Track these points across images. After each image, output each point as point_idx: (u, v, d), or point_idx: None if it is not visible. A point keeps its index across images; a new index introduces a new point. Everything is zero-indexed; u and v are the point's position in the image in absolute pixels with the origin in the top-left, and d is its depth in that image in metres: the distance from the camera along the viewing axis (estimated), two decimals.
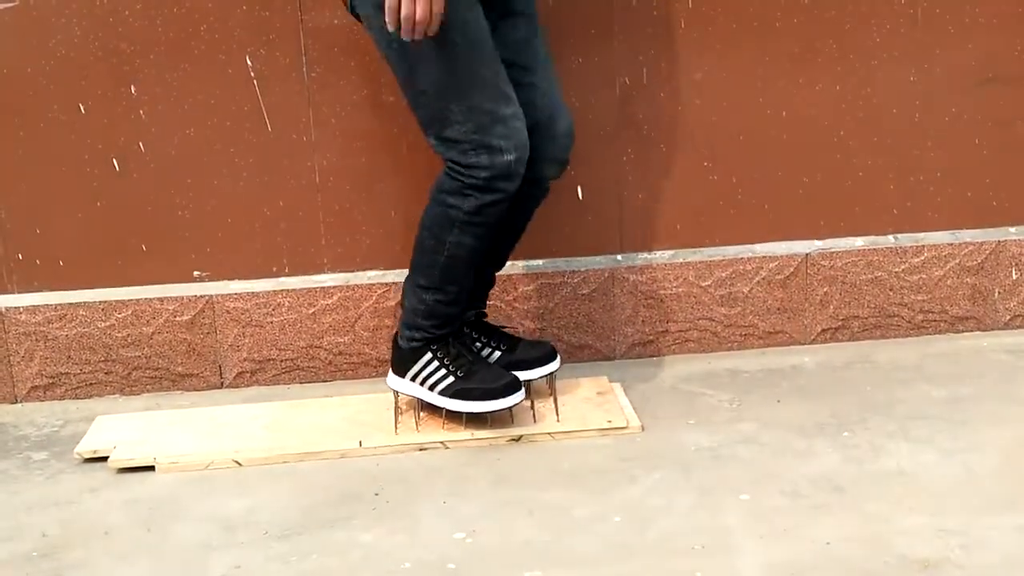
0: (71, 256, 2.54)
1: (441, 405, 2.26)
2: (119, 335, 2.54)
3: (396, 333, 2.31)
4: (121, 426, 2.36)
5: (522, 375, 2.31)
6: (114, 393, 2.58)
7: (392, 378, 2.32)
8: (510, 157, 2.08)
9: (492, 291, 2.43)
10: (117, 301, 2.54)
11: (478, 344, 2.35)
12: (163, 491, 2.13)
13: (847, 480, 2.03)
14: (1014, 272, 2.70)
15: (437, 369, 2.24)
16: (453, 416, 2.27)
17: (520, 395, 2.25)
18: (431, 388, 2.25)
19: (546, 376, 2.36)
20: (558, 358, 2.37)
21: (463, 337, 2.30)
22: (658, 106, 2.57)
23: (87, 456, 2.25)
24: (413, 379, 2.27)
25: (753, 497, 1.99)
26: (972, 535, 1.83)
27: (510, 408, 2.25)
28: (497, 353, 2.35)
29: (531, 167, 2.15)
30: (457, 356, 2.25)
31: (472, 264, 2.22)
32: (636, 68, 2.55)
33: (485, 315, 2.41)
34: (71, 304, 2.53)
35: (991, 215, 2.70)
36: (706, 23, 2.55)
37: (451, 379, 2.24)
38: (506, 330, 2.43)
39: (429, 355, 2.25)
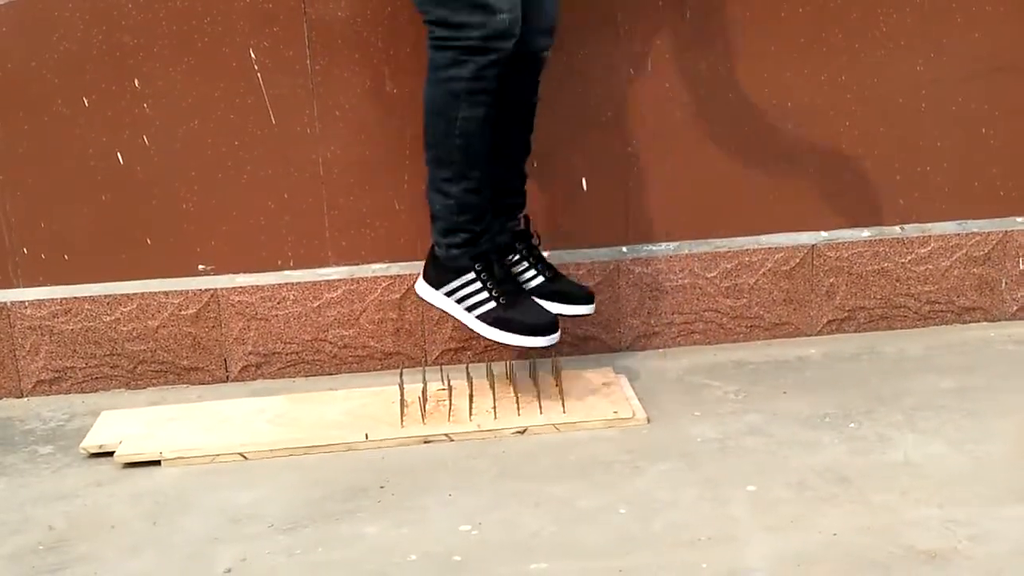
0: (76, 250, 2.54)
1: (476, 330, 2.22)
2: (124, 329, 2.55)
3: (432, 246, 2.26)
4: (127, 420, 2.36)
5: (559, 308, 2.29)
6: (120, 387, 2.58)
7: (423, 287, 2.26)
8: (504, 15, 2.07)
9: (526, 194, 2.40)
10: (122, 295, 2.54)
11: (526, 263, 2.31)
12: (169, 484, 2.13)
13: (854, 471, 2.03)
14: (1021, 262, 2.69)
15: (479, 291, 2.20)
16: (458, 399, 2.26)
17: (557, 336, 2.22)
18: (469, 309, 2.21)
19: (583, 315, 2.34)
20: (594, 304, 2.35)
21: (506, 263, 2.26)
22: (664, 97, 2.56)
23: (93, 451, 2.25)
24: (449, 294, 2.23)
25: (759, 488, 1.98)
26: (980, 526, 1.83)
27: (547, 347, 2.22)
28: (540, 278, 2.32)
29: (521, 40, 2.13)
30: (502, 280, 2.21)
31: (486, 140, 2.17)
32: (641, 58, 2.54)
33: (530, 222, 2.37)
34: (76, 298, 2.53)
35: (998, 205, 2.69)
36: (711, 13, 2.53)
37: (492, 304, 2.20)
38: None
39: (473, 274, 2.21)
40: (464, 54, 2.09)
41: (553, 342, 2.23)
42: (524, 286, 2.31)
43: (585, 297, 2.35)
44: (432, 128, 2.18)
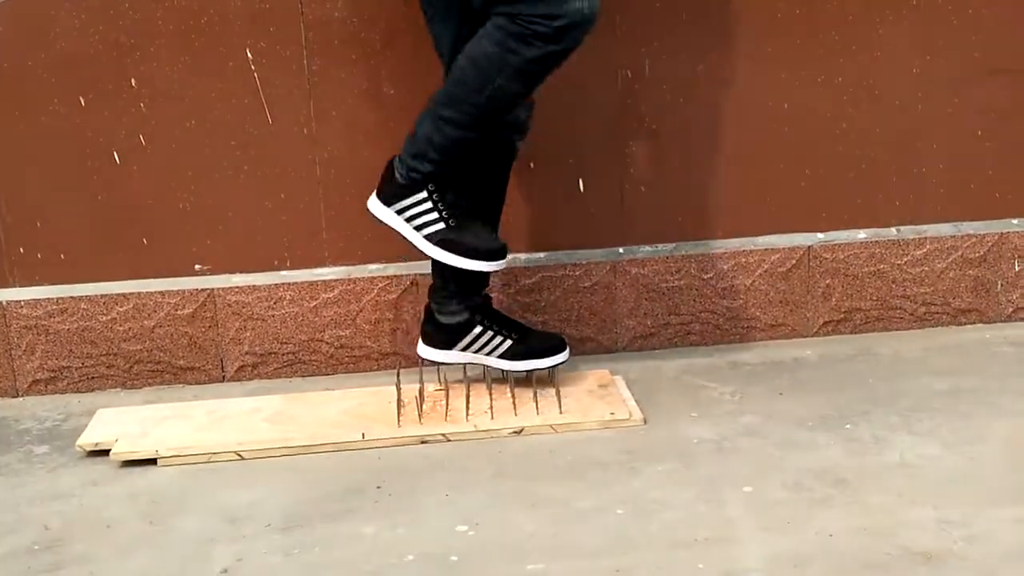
0: (72, 250, 2.53)
1: (423, 249, 2.21)
2: (120, 329, 2.54)
3: (392, 158, 2.25)
4: (123, 419, 2.36)
5: (535, 364, 2.32)
6: (116, 387, 2.57)
7: (375, 204, 2.25)
8: (580, 4, 2.04)
9: (493, 283, 2.43)
10: (118, 294, 2.53)
11: (490, 332, 2.34)
12: (165, 484, 2.13)
13: (850, 472, 2.03)
14: (1017, 264, 2.70)
15: (429, 211, 2.20)
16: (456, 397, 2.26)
17: (503, 263, 2.22)
18: (417, 228, 2.21)
19: (555, 366, 2.36)
20: (567, 349, 2.37)
21: (462, 191, 2.25)
22: (660, 98, 2.57)
23: (89, 449, 2.25)
24: (399, 212, 2.22)
25: (756, 489, 1.99)
26: (975, 527, 1.83)
27: (490, 272, 2.23)
28: (508, 342, 2.34)
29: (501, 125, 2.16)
30: (454, 203, 2.20)
31: (508, 110, 2.18)
32: (638, 60, 2.55)
33: (491, 299, 2.40)
34: (72, 298, 2.53)
35: (994, 207, 2.69)
36: (708, 15, 2.54)
37: (440, 225, 2.19)
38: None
39: (425, 193, 2.20)
40: (535, 38, 2.06)
41: (498, 267, 2.23)
42: (493, 353, 2.34)
43: (556, 347, 2.36)
44: (465, 74, 2.13)
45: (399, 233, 2.25)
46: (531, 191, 2.49)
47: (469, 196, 2.25)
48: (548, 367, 2.36)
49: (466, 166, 2.24)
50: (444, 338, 2.35)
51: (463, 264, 2.20)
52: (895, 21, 2.58)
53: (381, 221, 2.26)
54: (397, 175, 2.23)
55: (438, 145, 2.17)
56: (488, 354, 2.34)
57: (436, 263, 2.27)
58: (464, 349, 2.34)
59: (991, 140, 2.66)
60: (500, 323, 2.37)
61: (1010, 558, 1.75)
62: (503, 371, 2.36)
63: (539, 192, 2.55)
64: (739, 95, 2.58)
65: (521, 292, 2.59)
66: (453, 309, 2.33)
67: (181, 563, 1.85)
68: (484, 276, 2.34)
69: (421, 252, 2.24)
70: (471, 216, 2.24)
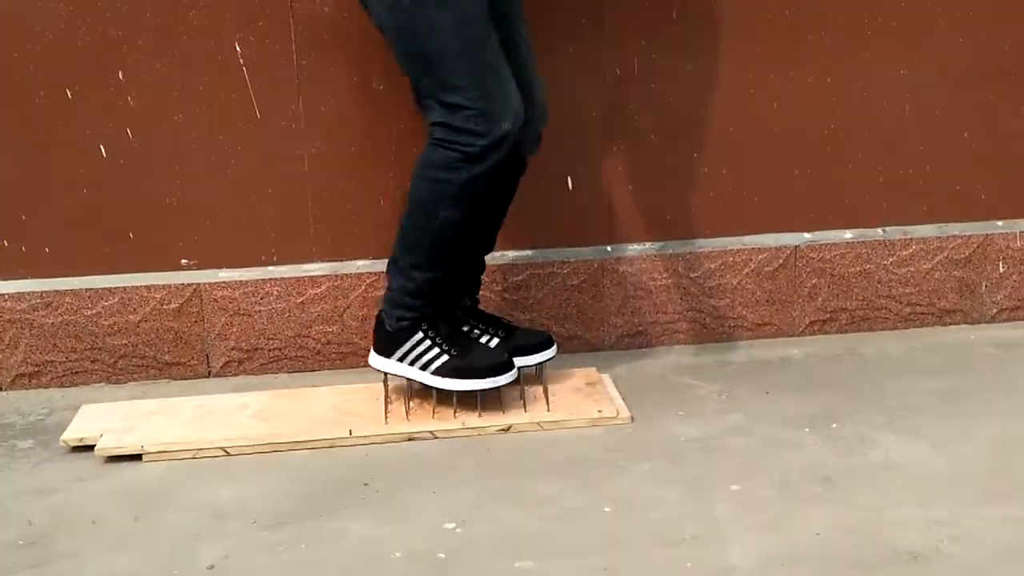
0: (57, 243, 2.52)
1: (436, 385, 2.24)
2: (105, 323, 2.53)
3: (379, 313, 2.29)
4: (107, 414, 2.34)
5: (520, 361, 2.32)
6: (100, 382, 2.56)
7: (376, 359, 2.30)
8: (507, 126, 2.09)
9: (482, 279, 2.43)
10: (104, 289, 2.52)
11: (476, 331, 2.35)
12: (151, 480, 2.11)
13: (836, 471, 2.04)
14: (1001, 266, 2.71)
15: (429, 348, 2.23)
16: (444, 399, 2.26)
17: (514, 373, 2.25)
18: (423, 368, 2.24)
19: (542, 363, 2.36)
20: (555, 346, 2.38)
21: (452, 319, 2.30)
22: (649, 97, 2.57)
23: (73, 444, 2.23)
24: (402, 359, 2.26)
25: (743, 488, 1.99)
26: (961, 526, 1.84)
27: (504, 386, 2.24)
28: (495, 340, 2.35)
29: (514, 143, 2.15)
30: (449, 335, 2.25)
31: (461, 240, 2.21)
32: (627, 59, 2.55)
33: (478, 302, 2.40)
34: (57, 292, 2.51)
35: (979, 209, 2.71)
36: (697, 15, 2.54)
37: (445, 357, 2.23)
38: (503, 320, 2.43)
39: (420, 334, 2.24)
40: (461, 160, 2.11)
41: (513, 378, 2.26)
42: (428, 368, 2.30)
43: (543, 343, 2.37)
44: (412, 217, 2.20)
45: (410, 379, 2.26)
46: (520, 189, 2.48)
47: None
48: (536, 363, 2.35)
49: (446, 295, 2.27)
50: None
51: (480, 386, 2.23)
52: (883, 23, 2.59)
53: (388, 373, 2.29)
54: (387, 326, 2.26)
55: (411, 291, 2.22)
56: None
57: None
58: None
59: (977, 142, 2.67)
60: (486, 321, 2.37)
61: (996, 557, 1.76)
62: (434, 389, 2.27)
63: (528, 190, 2.54)
64: (727, 95, 2.59)
65: (509, 289, 2.59)
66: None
67: (167, 560, 1.84)
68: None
69: (436, 389, 2.25)
70: (468, 339, 2.29)
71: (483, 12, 2.08)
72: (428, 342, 2.23)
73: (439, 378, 2.24)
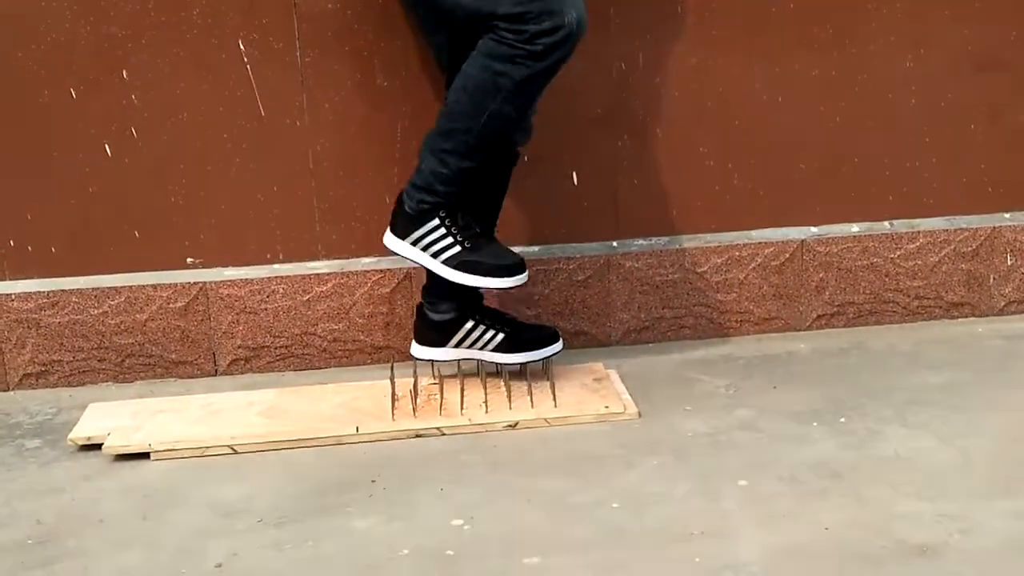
0: (63, 243, 2.52)
1: (444, 275, 2.23)
2: (112, 322, 2.53)
3: (400, 195, 2.27)
4: (115, 413, 2.34)
5: (528, 356, 2.32)
6: (107, 381, 2.56)
7: (391, 239, 2.28)
8: (572, 18, 2.07)
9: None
10: (110, 288, 2.52)
11: (482, 327, 2.35)
12: (158, 478, 2.12)
13: (844, 466, 2.03)
14: (1009, 258, 2.70)
15: (443, 236, 2.21)
16: (450, 392, 2.25)
17: (523, 278, 2.23)
18: (434, 256, 2.23)
19: (550, 357, 2.36)
20: (561, 341, 2.37)
21: (469, 212, 2.27)
22: (654, 91, 2.56)
23: (81, 443, 2.24)
24: (415, 243, 2.24)
25: (751, 483, 1.99)
26: (970, 519, 1.83)
27: (514, 287, 2.23)
28: (501, 335, 2.34)
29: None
30: (466, 226, 2.23)
31: (506, 135, 2.20)
32: (632, 53, 2.54)
33: (483, 298, 2.40)
34: (63, 291, 2.51)
35: (986, 201, 2.70)
36: (703, 8, 2.54)
37: (457, 248, 2.21)
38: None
39: (436, 221, 2.21)
40: (524, 58, 2.09)
41: (521, 282, 2.23)
42: (487, 347, 2.34)
43: (549, 338, 2.37)
44: (459, 104, 2.16)
45: (418, 263, 2.26)
46: (525, 184, 2.48)
47: (473, 209, 2.27)
48: (542, 358, 2.35)
49: (472, 186, 2.25)
50: (436, 336, 2.34)
51: (485, 284, 2.21)
52: (888, 15, 2.58)
53: (398, 255, 2.28)
54: (407, 208, 2.25)
55: (443, 177, 2.20)
56: (482, 348, 2.34)
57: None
58: (457, 345, 2.34)
59: (984, 134, 2.66)
60: (492, 318, 2.37)
61: (1006, 550, 1.75)
62: (497, 364, 2.35)
63: (533, 186, 2.54)
64: (733, 89, 2.58)
65: None
66: (444, 307, 2.33)
67: (175, 558, 1.84)
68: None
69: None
70: (484, 234, 2.27)
71: None
72: (443, 230, 2.21)
73: (448, 268, 2.22)
